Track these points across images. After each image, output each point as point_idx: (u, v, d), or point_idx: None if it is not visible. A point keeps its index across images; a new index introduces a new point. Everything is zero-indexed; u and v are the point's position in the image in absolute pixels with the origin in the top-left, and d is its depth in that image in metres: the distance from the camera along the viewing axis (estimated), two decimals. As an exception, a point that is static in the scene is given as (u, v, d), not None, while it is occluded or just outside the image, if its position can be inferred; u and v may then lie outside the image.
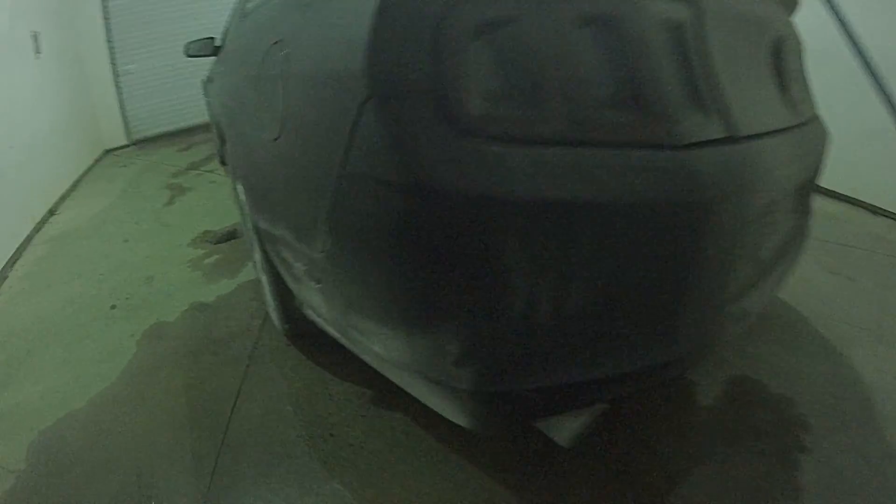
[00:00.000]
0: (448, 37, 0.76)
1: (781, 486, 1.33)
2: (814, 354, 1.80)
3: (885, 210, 2.97)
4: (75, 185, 4.26)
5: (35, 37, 3.86)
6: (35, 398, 1.75)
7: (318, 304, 1.31)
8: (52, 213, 3.61)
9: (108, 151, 5.49)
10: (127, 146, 5.71)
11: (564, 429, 1.00)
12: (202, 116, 5.63)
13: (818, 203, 2.91)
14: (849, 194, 3.11)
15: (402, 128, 0.77)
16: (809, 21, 2.82)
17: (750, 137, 1.03)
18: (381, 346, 1.05)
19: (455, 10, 0.77)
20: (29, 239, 3.15)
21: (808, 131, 1.37)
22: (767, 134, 1.10)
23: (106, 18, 5.37)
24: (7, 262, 2.80)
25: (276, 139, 1.18)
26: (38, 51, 3.87)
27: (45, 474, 1.44)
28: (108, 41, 5.45)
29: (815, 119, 1.49)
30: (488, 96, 0.77)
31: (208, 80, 3.14)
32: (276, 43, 1.28)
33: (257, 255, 1.77)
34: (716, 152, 0.92)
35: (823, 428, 1.52)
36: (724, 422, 1.52)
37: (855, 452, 1.44)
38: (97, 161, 5.09)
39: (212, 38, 2.78)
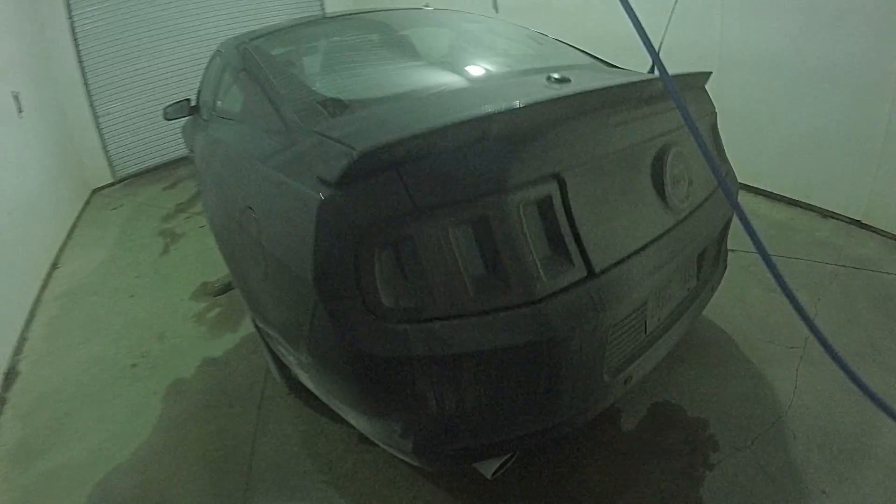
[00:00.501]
0: (365, 254, 1.09)
1: (684, 501, 1.56)
2: (734, 376, 2.00)
3: (833, 213, 3.07)
4: (70, 233, 4.53)
5: (16, 97, 4.08)
6: (83, 455, 2.09)
7: (306, 382, 1.68)
8: (55, 266, 3.90)
9: (95, 191, 5.72)
10: (113, 184, 5.95)
11: (487, 467, 1.44)
12: (182, 150, 5.90)
13: (767, 210, 3.22)
14: (801, 199, 3.25)
15: (340, 319, 1.13)
16: (753, 35, 3.18)
17: (612, 267, 1.29)
18: (353, 421, 1.47)
19: (367, 234, 1.09)
20: (39, 298, 3.45)
21: (700, 214, 1.64)
22: (635, 253, 1.36)
23: (80, 63, 5.59)
24: (24, 324, 3.11)
25: (263, 279, 1.50)
26: (20, 110, 4.11)
27: None
28: (85, 84, 5.68)
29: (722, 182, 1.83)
30: (393, 293, 1.12)
31: (188, 128, 3.41)
32: (248, 208, 1.55)
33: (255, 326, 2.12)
34: (572, 293, 1.20)
35: (730, 446, 1.72)
36: (642, 444, 1.78)
37: (757, 467, 1.63)
38: (87, 203, 5.33)
39: (188, 99, 3.12)
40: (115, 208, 5.11)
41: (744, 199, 3.49)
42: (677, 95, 1.11)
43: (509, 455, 1.43)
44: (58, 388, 2.52)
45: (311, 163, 1.29)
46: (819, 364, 2.04)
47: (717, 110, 2.06)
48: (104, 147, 5.95)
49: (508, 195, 1.15)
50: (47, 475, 2.03)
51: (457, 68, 2.02)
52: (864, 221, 2.96)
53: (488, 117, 1.14)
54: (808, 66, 2.99)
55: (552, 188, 1.22)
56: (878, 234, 2.90)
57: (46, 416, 2.35)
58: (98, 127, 5.88)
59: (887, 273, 2.59)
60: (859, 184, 2.92)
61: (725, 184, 1.10)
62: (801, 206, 3.22)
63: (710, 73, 1.93)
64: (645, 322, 1.50)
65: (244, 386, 2.35)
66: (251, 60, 2.03)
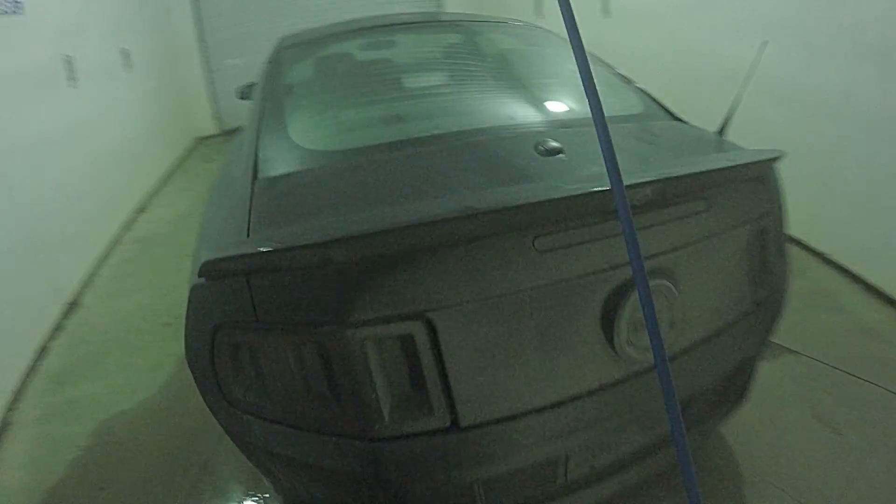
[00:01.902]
0: (216, 346, 1.11)
1: None
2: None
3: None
4: (166, 181, 5.03)
5: (126, 54, 4.55)
6: (102, 392, 2.39)
7: None
8: (142, 210, 4.39)
9: (198, 140, 6.30)
10: (216, 135, 6.51)
11: None
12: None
13: (856, 305, 2.55)
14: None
15: (205, 395, 1.19)
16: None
17: (494, 423, 1.11)
18: None
19: (218, 329, 1.10)
20: (119, 238, 3.89)
21: (691, 358, 1.32)
22: (545, 409, 1.14)
23: (199, 22, 6.10)
24: (99, 261, 3.54)
25: None
26: (129, 65, 4.56)
27: (100, 452, 2.05)
28: (201, 41, 6.19)
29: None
30: (241, 387, 1.14)
31: None
32: None
33: None
34: (424, 441, 1.09)
35: None
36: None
37: None
38: (189, 152, 5.87)
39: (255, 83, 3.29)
40: (209, 161, 5.59)
41: (824, 280, 2.84)
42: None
43: None
44: (105, 328, 2.88)
45: (205, 238, 1.32)
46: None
47: (783, 204, 1.53)
48: (213, 100, 6.47)
49: (349, 329, 1.03)
50: (71, 400, 2.35)
51: (451, 113, 1.80)
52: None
53: (334, 243, 1.01)
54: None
55: (415, 328, 1.05)
56: None
57: (88, 350, 2.70)
58: (210, 81, 6.41)
59: None
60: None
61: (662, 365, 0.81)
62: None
63: (780, 155, 1.42)
64: (565, 471, 1.30)
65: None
66: (265, 75, 1.99)
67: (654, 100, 1.92)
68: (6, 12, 2.86)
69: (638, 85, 2.02)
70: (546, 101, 1.90)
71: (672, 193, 1.22)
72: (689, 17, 3.85)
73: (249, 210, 1.27)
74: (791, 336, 2.27)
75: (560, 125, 1.64)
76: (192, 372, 1.19)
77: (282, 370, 1.09)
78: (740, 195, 1.39)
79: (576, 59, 0.83)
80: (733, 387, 1.59)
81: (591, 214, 1.13)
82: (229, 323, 1.09)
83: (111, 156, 3.99)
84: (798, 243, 3.15)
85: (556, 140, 1.42)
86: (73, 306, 3.07)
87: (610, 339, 1.17)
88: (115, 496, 1.89)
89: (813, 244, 3.10)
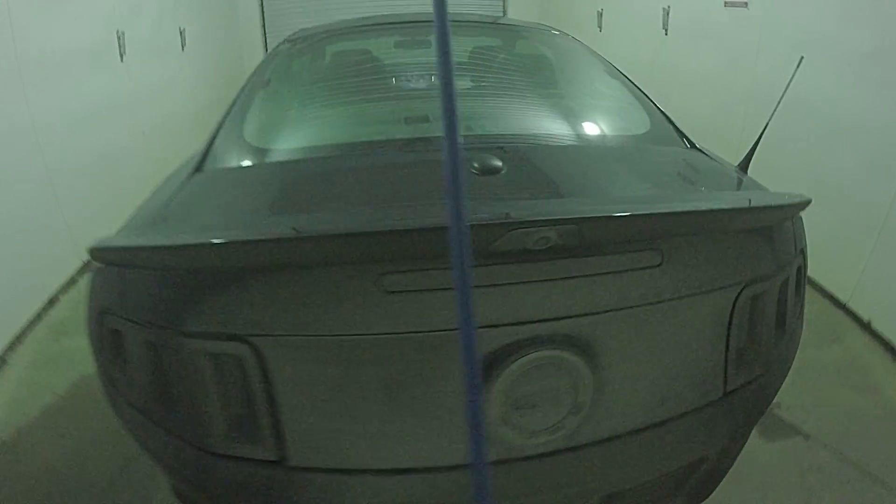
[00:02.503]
0: (100, 333, 1.14)
1: None
2: None
3: None
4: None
5: (182, 32, 4.79)
6: (85, 347, 2.59)
7: None
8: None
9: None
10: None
11: None
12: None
13: (887, 379, 2.24)
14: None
15: (99, 369, 1.22)
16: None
17: (328, 472, 1.02)
18: None
19: (99, 312, 1.13)
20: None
21: (606, 451, 1.10)
22: (367, 471, 1.03)
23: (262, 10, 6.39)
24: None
25: None
26: (183, 44, 4.82)
27: (73, 402, 2.22)
28: (263, 27, 6.49)
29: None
30: (115, 372, 1.16)
31: None
32: None
33: None
34: (247, 468, 1.04)
35: None
36: None
37: None
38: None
39: None
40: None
41: (860, 352, 2.48)
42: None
43: None
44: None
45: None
46: None
47: (801, 265, 1.32)
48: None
49: (182, 338, 0.99)
50: (64, 351, 2.56)
51: (411, 120, 1.73)
52: None
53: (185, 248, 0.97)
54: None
55: (242, 351, 0.97)
56: None
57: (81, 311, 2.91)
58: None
59: None
60: None
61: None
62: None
63: (800, 202, 1.15)
64: None
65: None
66: (255, 69, 2.01)
67: (669, 121, 1.67)
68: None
69: (655, 104, 1.77)
70: (524, 113, 1.77)
71: (598, 238, 0.97)
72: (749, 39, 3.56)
73: (167, 202, 1.28)
74: (808, 415, 2.09)
75: (523, 140, 1.49)
76: (91, 347, 1.23)
77: (137, 364, 1.09)
78: (726, 250, 1.10)
79: (439, 53, 0.71)
80: (683, 489, 1.31)
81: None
82: (108, 309, 1.12)
83: (156, 131, 4.20)
84: (836, 302, 2.80)
85: (502, 157, 1.25)
86: (90, 264, 3.30)
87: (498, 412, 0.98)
88: (75, 446, 2.04)
89: (853, 307, 2.69)
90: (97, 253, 1.03)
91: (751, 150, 1.51)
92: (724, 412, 1.17)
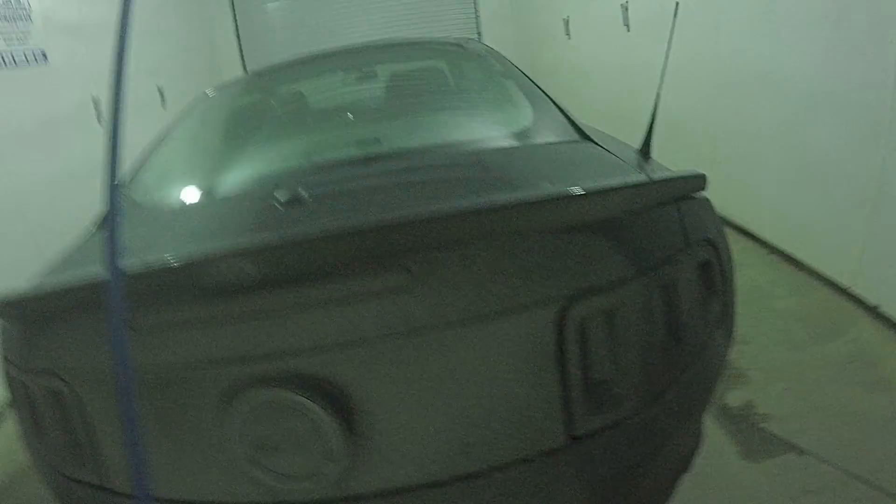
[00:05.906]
0: None
1: None
2: None
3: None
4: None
5: (160, 91, 4.88)
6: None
7: None
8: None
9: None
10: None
11: None
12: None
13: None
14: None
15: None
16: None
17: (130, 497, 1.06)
18: None
19: None
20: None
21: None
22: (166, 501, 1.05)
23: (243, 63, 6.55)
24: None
25: None
26: (163, 100, 4.90)
27: None
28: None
29: None
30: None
31: None
32: None
33: None
34: (93, 494, 1.13)
35: None
36: None
37: None
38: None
39: None
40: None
41: (869, 342, 2.19)
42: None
43: None
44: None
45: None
46: None
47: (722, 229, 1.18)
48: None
49: (20, 372, 1.15)
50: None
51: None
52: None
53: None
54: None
55: (60, 386, 1.10)
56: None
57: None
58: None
59: None
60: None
61: None
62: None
63: (703, 176, 1.05)
64: None
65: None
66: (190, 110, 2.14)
67: (565, 116, 1.58)
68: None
69: (553, 101, 1.69)
70: (390, 126, 1.79)
71: (321, 264, 0.90)
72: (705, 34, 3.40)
73: (63, 259, 1.40)
74: (804, 426, 1.78)
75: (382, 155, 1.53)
76: None
77: (15, 398, 1.22)
78: (528, 258, 0.92)
79: (116, 52, 0.72)
80: None
81: (183, 291, 0.94)
82: (3, 354, 1.25)
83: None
84: (837, 288, 2.49)
85: (314, 186, 1.22)
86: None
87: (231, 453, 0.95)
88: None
89: (857, 291, 2.37)
90: None
91: (648, 131, 1.38)
92: (575, 462, 0.97)
